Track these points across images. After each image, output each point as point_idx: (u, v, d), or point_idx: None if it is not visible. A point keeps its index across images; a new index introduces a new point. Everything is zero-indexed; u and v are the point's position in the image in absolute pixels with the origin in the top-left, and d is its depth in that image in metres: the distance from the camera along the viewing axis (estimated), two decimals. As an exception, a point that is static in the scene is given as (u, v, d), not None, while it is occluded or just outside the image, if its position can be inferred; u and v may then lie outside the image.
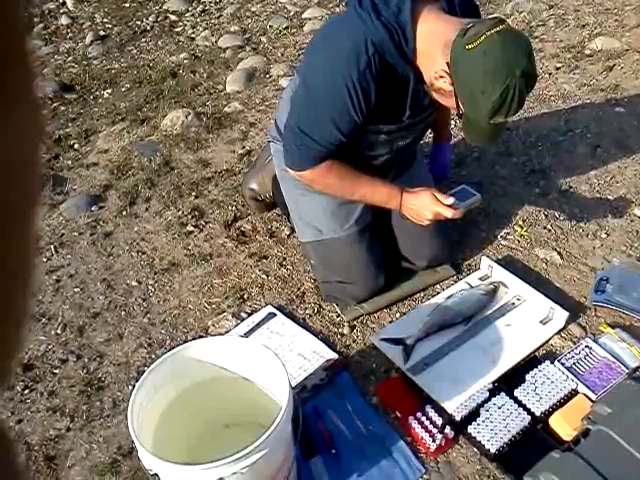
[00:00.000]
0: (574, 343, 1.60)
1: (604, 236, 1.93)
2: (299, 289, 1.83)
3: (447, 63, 1.33)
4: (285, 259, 1.94)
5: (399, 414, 1.46)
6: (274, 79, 2.95)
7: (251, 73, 3.00)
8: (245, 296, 1.82)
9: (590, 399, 1.43)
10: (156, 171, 2.36)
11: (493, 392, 1.47)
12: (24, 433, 1.50)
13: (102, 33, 3.70)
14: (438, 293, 1.78)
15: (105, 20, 3.89)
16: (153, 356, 1.65)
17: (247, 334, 1.69)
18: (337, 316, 1.74)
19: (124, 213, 2.18)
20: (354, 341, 1.66)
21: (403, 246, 1.80)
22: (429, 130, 1.88)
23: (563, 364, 1.52)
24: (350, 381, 1.55)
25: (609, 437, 1.21)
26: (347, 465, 1.38)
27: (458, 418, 1.42)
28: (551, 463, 1.23)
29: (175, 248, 2.02)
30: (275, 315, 1.74)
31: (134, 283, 1.91)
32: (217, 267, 1.93)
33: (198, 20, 3.77)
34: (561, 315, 1.64)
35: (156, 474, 1.06)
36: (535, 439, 1.37)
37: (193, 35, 3.58)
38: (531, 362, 1.56)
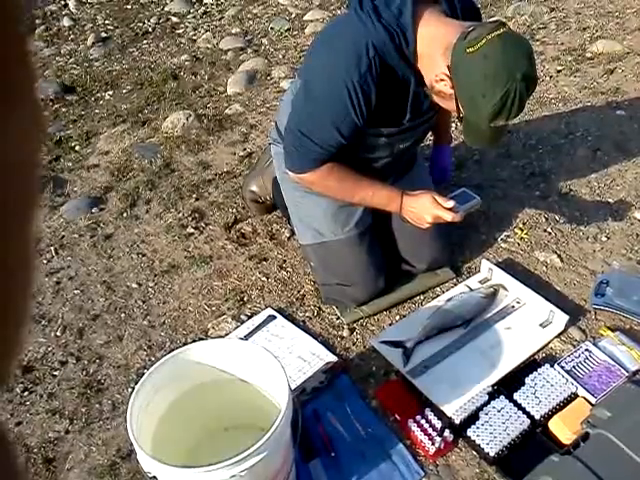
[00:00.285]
0: (574, 346, 1.60)
1: (604, 239, 1.93)
2: (299, 292, 1.83)
3: (448, 66, 1.33)
4: (285, 261, 1.94)
5: (398, 417, 1.46)
6: (275, 81, 2.95)
7: (252, 75, 3.01)
8: (245, 298, 1.82)
9: (590, 402, 1.43)
10: (157, 173, 2.36)
11: (492, 395, 1.47)
12: (23, 435, 1.50)
13: (104, 35, 3.71)
14: (438, 296, 1.78)
15: (107, 22, 3.90)
16: (153, 358, 1.65)
17: (247, 337, 1.69)
18: (337, 319, 1.74)
19: (124, 215, 2.18)
20: (354, 344, 1.66)
21: (403, 249, 1.80)
22: (429, 133, 1.88)
23: (563, 367, 1.52)
24: (349, 384, 1.55)
25: (609, 441, 1.21)
26: (346, 468, 1.38)
27: (457, 421, 1.42)
28: (550, 467, 1.23)
29: (175, 250, 2.02)
30: (275, 318, 1.74)
31: (134, 285, 1.91)
32: (217, 269, 1.93)
33: (199, 22, 3.77)
34: (561, 318, 1.64)
35: (155, 477, 1.06)
36: (534, 442, 1.37)
37: (194, 37, 3.58)
38: (531, 365, 1.55)
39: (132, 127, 2.68)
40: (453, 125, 2.10)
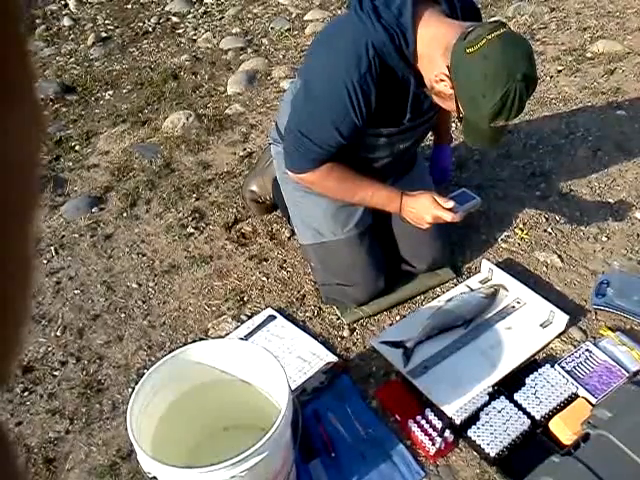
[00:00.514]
0: (574, 346, 1.60)
1: (605, 239, 1.93)
2: (299, 292, 1.83)
3: (448, 66, 1.33)
4: (285, 261, 1.94)
5: (399, 417, 1.46)
6: (275, 81, 2.95)
7: (252, 75, 3.01)
8: (245, 298, 1.82)
9: (590, 403, 1.43)
10: (157, 173, 2.36)
11: (493, 396, 1.47)
12: (23, 435, 1.50)
13: (104, 35, 3.71)
14: (438, 296, 1.78)
15: (107, 22, 3.89)
16: (153, 358, 1.65)
17: (247, 337, 1.68)
18: (337, 319, 1.74)
19: (124, 215, 2.18)
20: (354, 344, 1.66)
21: (403, 249, 1.79)
22: (430, 133, 1.88)
23: (563, 368, 1.51)
24: (350, 384, 1.55)
25: (609, 441, 1.21)
26: (346, 468, 1.37)
27: (458, 422, 1.42)
28: (551, 467, 1.23)
29: (175, 250, 2.02)
30: (275, 318, 1.74)
31: (134, 285, 1.91)
32: (217, 269, 1.93)
33: (200, 22, 3.77)
34: (561, 318, 1.64)
35: (155, 477, 1.06)
36: (535, 443, 1.37)
37: (195, 37, 3.58)
38: (531, 366, 1.55)
39: (132, 127, 2.68)
40: (453, 125, 2.10)
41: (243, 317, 1.76)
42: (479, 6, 1.64)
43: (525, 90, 1.30)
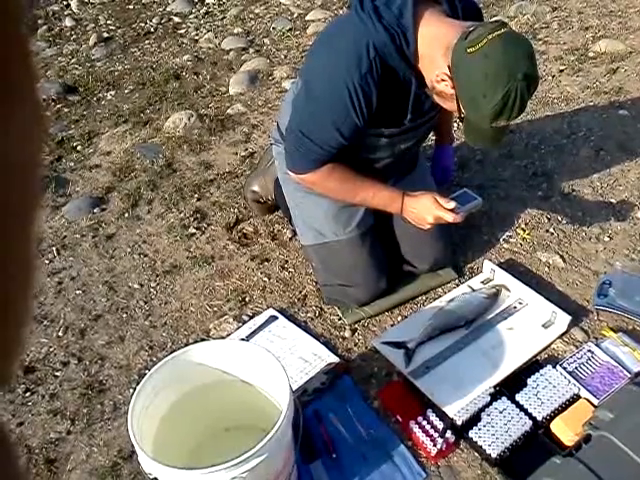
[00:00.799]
0: (576, 347, 1.60)
1: (607, 239, 1.92)
2: (301, 292, 1.83)
3: (448, 66, 1.33)
4: (287, 262, 1.93)
5: (400, 418, 1.46)
6: (277, 81, 2.95)
7: (254, 75, 3.00)
8: (247, 299, 1.82)
9: (592, 404, 1.42)
10: (158, 173, 2.36)
11: (494, 396, 1.47)
12: (25, 436, 1.50)
13: (106, 35, 3.71)
14: (440, 296, 1.77)
15: (109, 22, 3.90)
16: (154, 359, 1.65)
17: (248, 337, 1.68)
18: (338, 319, 1.73)
19: (126, 215, 2.18)
20: (355, 344, 1.66)
21: (405, 249, 1.79)
22: (431, 133, 1.88)
23: (565, 368, 1.51)
24: (351, 385, 1.55)
25: (611, 443, 1.20)
26: (348, 469, 1.37)
27: (459, 422, 1.42)
28: (552, 468, 1.23)
29: (177, 250, 2.02)
30: (276, 318, 1.74)
31: (136, 285, 1.91)
32: (219, 270, 1.93)
33: (201, 22, 3.77)
34: (563, 319, 1.63)
35: (156, 478, 1.06)
36: (536, 444, 1.37)
37: (196, 37, 3.58)
38: (533, 366, 1.55)
39: (134, 127, 2.68)
40: (455, 125, 2.09)
41: (245, 317, 1.76)
42: (480, 6, 1.63)
43: (526, 90, 1.30)
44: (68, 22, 3.90)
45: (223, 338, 1.69)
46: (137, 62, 3.36)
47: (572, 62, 2.81)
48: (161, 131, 2.62)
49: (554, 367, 1.52)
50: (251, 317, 1.76)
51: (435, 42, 1.35)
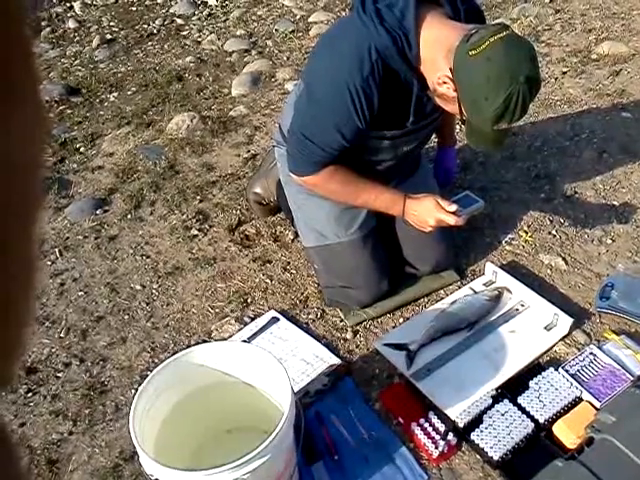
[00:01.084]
0: (578, 350, 1.59)
1: (609, 242, 1.92)
2: (302, 294, 1.83)
3: (450, 69, 1.33)
4: (289, 263, 1.94)
5: (402, 420, 1.46)
6: (280, 83, 2.95)
7: (257, 77, 3.01)
8: (248, 300, 1.82)
9: (594, 407, 1.42)
10: (161, 175, 2.37)
11: (496, 399, 1.47)
12: (27, 436, 1.50)
13: (109, 37, 3.72)
14: (442, 298, 1.77)
15: (112, 24, 3.90)
16: (156, 360, 1.65)
17: (250, 339, 1.68)
18: (340, 321, 1.73)
19: (129, 217, 2.18)
20: (357, 346, 1.66)
21: (407, 251, 1.79)
22: (434, 135, 1.88)
23: (567, 371, 1.51)
24: (353, 386, 1.55)
25: (613, 446, 1.20)
26: (349, 471, 1.37)
27: (461, 425, 1.42)
28: (554, 472, 1.22)
29: (179, 252, 2.02)
30: (278, 320, 1.74)
31: (138, 287, 1.91)
32: (221, 271, 1.93)
33: (204, 24, 3.78)
34: (565, 321, 1.63)
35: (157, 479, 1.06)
36: (538, 447, 1.36)
37: (199, 39, 3.59)
38: (535, 369, 1.55)
39: (137, 129, 2.69)
40: (457, 127, 2.09)
41: (246, 319, 1.76)
42: (483, 8, 1.63)
43: (528, 92, 1.30)
44: (71, 24, 3.91)
45: (225, 340, 1.69)
46: (140, 64, 3.37)
47: (575, 64, 2.81)
48: (164, 133, 2.62)
49: (556, 370, 1.52)
50: (253, 319, 1.76)
51: (437, 44, 1.35)
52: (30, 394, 1.61)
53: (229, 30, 3.65)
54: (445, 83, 1.36)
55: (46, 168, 2.43)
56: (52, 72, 3.33)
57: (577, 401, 1.45)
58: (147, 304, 1.85)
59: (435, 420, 1.43)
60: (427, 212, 1.54)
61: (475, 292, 1.76)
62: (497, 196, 2.12)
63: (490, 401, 1.46)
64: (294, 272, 1.90)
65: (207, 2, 4.05)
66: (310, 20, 3.60)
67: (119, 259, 2.02)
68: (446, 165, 2.01)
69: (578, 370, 1.51)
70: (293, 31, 3.50)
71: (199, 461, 1.27)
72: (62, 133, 2.69)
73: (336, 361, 1.59)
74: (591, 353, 1.54)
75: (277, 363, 1.19)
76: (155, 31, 3.75)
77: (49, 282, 1.94)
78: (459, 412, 1.44)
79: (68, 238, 2.12)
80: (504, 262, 1.88)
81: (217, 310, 1.80)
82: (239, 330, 1.72)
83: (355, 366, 1.61)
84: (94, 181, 2.39)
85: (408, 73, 1.41)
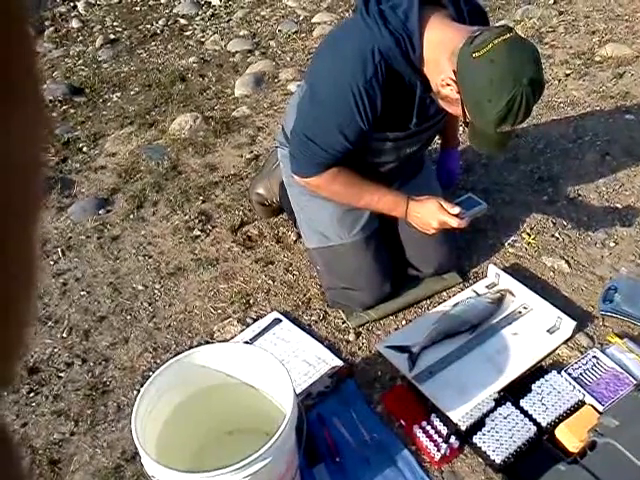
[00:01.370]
0: (581, 353, 1.59)
1: (612, 245, 1.92)
2: (305, 295, 1.83)
3: (454, 71, 1.33)
4: (291, 265, 1.93)
5: (404, 423, 1.45)
6: (283, 83, 2.95)
7: (260, 77, 3.01)
8: (251, 301, 1.82)
9: (597, 410, 1.42)
10: (164, 175, 2.37)
11: (499, 402, 1.46)
12: (28, 436, 1.50)
13: (112, 37, 3.72)
14: (444, 301, 1.77)
15: (115, 24, 3.91)
16: (158, 361, 1.65)
17: (252, 340, 1.68)
18: (343, 323, 1.73)
19: (131, 217, 2.18)
20: (359, 348, 1.66)
21: (410, 253, 1.79)
22: (437, 137, 1.88)
23: (570, 374, 1.50)
24: (355, 389, 1.55)
25: (616, 450, 1.20)
26: (351, 473, 1.37)
27: (463, 428, 1.41)
28: (557, 476, 1.22)
29: (181, 252, 2.02)
30: (280, 321, 1.74)
31: (140, 287, 1.91)
32: (223, 272, 1.93)
33: (208, 24, 3.78)
34: (568, 324, 1.63)
35: (159, 481, 1.06)
36: (541, 450, 1.36)
37: (202, 39, 3.59)
38: (537, 372, 1.54)
39: (139, 129, 2.69)
40: (461, 128, 2.09)
41: (249, 320, 1.76)
42: (487, 9, 1.63)
43: (532, 95, 1.29)
44: (75, 24, 3.91)
45: (227, 341, 1.69)
46: (143, 64, 3.37)
47: (578, 66, 2.80)
48: (166, 133, 2.62)
49: (559, 373, 1.52)
50: (255, 320, 1.76)
51: (440, 46, 1.35)
52: (32, 394, 1.61)
53: (232, 30, 3.65)
54: (448, 85, 1.36)
55: (47, 168, 2.43)
56: (55, 72, 3.33)
57: (580, 404, 1.45)
58: (149, 304, 1.85)
59: (437, 423, 1.43)
60: (430, 214, 1.54)
61: (478, 294, 1.76)
62: (500, 198, 2.11)
63: (492, 404, 1.46)
64: (296, 273, 1.90)
65: (210, 2, 4.06)
66: (313, 21, 3.60)
67: (121, 259, 2.02)
68: (449, 167, 2.01)
69: (581, 373, 1.50)
70: (296, 32, 3.50)
71: (200, 462, 1.27)
72: (65, 133, 2.70)
73: (338, 363, 1.59)
74: (594, 356, 1.54)
75: (279, 365, 1.19)
76: (158, 31, 3.75)
77: (51, 282, 1.95)
78: (461, 415, 1.44)
79: (71, 238, 2.12)
80: (507, 264, 1.88)
81: (219, 311, 1.80)
82: (241, 331, 1.72)
83: (357, 368, 1.60)
84: (97, 181, 2.39)
85: (411, 75, 1.40)
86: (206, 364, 1.27)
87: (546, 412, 1.43)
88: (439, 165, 2.02)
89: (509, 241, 1.96)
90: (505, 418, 1.42)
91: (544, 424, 1.41)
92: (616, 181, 2.16)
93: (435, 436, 1.40)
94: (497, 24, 2.20)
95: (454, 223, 1.53)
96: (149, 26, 3.82)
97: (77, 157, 2.55)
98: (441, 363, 1.58)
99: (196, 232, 2.09)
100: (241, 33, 3.59)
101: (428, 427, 1.42)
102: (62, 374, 1.66)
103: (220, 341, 1.69)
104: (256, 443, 1.04)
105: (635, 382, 1.47)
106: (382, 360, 1.61)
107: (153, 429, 1.17)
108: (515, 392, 1.49)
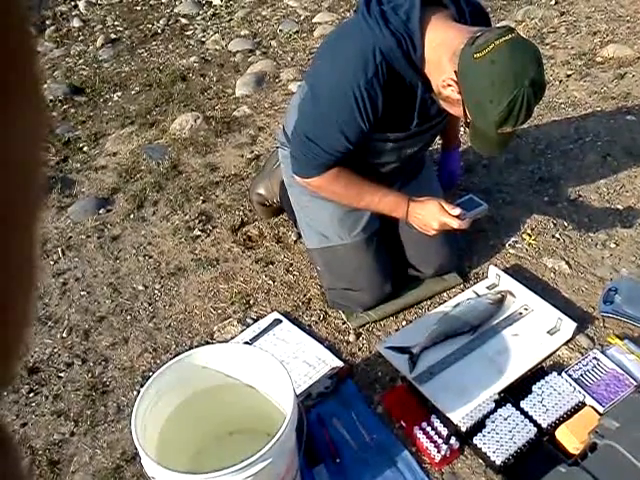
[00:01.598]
0: (582, 354, 1.59)
1: (613, 246, 1.91)
2: (305, 295, 1.83)
3: (455, 72, 1.32)
4: (292, 265, 1.93)
5: (404, 424, 1.45)
6: (284, 83, 2.95)
7: (261, 77, 3.01)
8: (251, 302, 1.82)
9: (597, 412, 1.41)
10: (164, 175, 2.36)
11: (499, 403, 1.46)
12: (28, 437, 1.50)
13: (113, 36, 3.72)
14: (445, 301, 1.77)
15: (116, 23, 3.91)
16: (158, 361, 1.65)
17: (252, 340, 1.68)
18: (343, 323, 1.73)
19: (131, 216, 2.18)
20: (360, 349, 1.66)
21: (410, 254, 1.79)
22: (438, 137, 1.87)
23: (570, 375, 1.50)
24: (355, 389, 1.55)
25: (617, 452, 1.19)
26: (351, 474, 1.37)
27: (463, 429, 1.41)
28: (557, 477, 1.22)
29: (182, 252, 2.02)
30: (281, 322, 1.74)
31: (140, 287, 1.91)
32: (223, 272, 1.93)
33: (209, 24, 3.78)
34: (569, 326, 1.62)
35: (158, 482, 1.05)
36: (541, 452, 1.36)
37: (203, 39, 3.59)
38: (538, 373, 1.54)
39: (140, 128, 2.69)
40: (462, 129, 2.09)
41: (249, 320, 1.76)
42: (488, 10, 1.63)
43: (533, 96, 1.29)
44: (76, 23, 3.91)
45: (227, 341, 1.68)
46: (144, 63, 3.37)
47: (579, 67, 2.80)
48: (167, 133, 2.62)
49: (559, 374, 1.51)
50: (255, 320, 1.75)
51: (442, 47, 1.35)
52: (32, 394, 1.61)
53: (233, 30, 3.65)
54: (450, 86, 1.36)
55: (48, 167, 2.43)
56: (56, 71, 3.33)
57: (580, 406, 1.45)
58: (149, 304, 1.85)
59: (437, 424, 1.43)
60: (431, 215, 1.53)
61: (478, 295, 1.75)
62: (501, 199, 2.11)
63: (493, 405, 1.45)
64: (297, 274, 1.90)
65: (211, 2, 4.05)
66: (314, 21, 3.60)
67: (122, 259, 2.02)
68: (450, 167, 2.00)
69: (581, 375, 1.50)
70: (297, 32, 3.49)
71: (201, 463, 1.27)
72: (66, 132, 2.70)
73: (338, 364, 1.59)
74: (594, 358, 1.54)
75: (279, 365, 1.19)
76: (159, 31, 3.75)
77: (51, 282, 1.94)
78: (462, 416, 1.44)
79: (71, 238, 2.12)
80: (507, 265, 1.88)
81: (219, 311, 1.80)
82: (241, 331, 1.72)
83: (357, 369, 1.60)
84: (97, 181, 2.39)
85: (413, 75, 1.40)
86: (206, 365, 1.26)
87: (546, 413, 1.43)
88: (440, 166, 2.02)
89: (510, 242, 1.95)
90: (505, 419, 1.42)
91: (544, 425, 1.41)
92: (617, 182, 2.16)
93: (435, 437, 1.40)
94: (498, 24, 2.20)
95: (455, 224, 1.52)
96: (150, 26, 3.82)
97: (77, 157, 2.55)
98: (441, 364, 1.58)
99: (196, 232, 2.09)
100: (242, 33, 3.59)
101: (428, 428, 1.42)
102: (62, 374, 1.66)
103: (220, 341, 1.68)
104: (256, 444, 1.03)
105: (636, 383, 1.47)
106: (382, 361, 1.61)
107: (153, 430, 1.17)
108: (515, 393, 1.49)
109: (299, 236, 1.94)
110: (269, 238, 2.04)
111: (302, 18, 3.68)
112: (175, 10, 3.99)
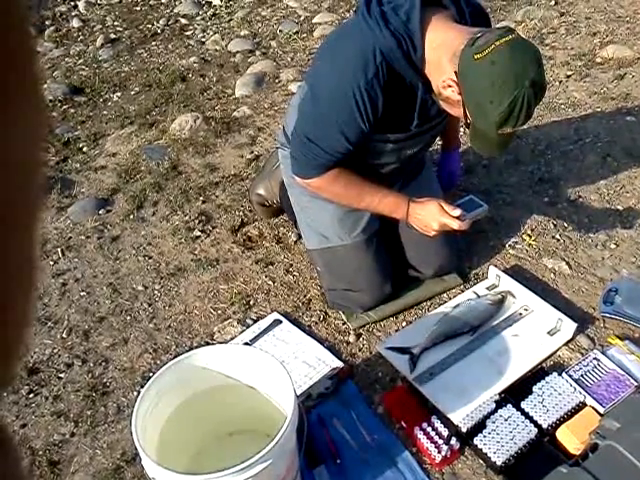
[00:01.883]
0: (582, 355, 1.59)
1: (613, 246, 1.91)
2: (305, 296, 1.82)
3: (455, 72, 1.32)
4: (292, 266, 1.93)
5: (404, 424, 1.45)
6: (283, 84, 2.95)
7: (260, 78, 3.01)
8: (251, 302, 1.82)
9: (598, 412, 1.41)
10: (164, 175, 2.36)
11: (499, 403, 1.46)
12: (28, 437, 1.50)
13: (113, 36, 3.72)
14: (445, 302, 1.77)
15: (116, 23, 3.90)
16: (158, 361, 1.65)
17: (252, 341, 1.68)
18: (343, 324, 1.73)
19: (131, 217, 2.18)
20: (360, 349, 1.65)
21: (410, 254, 1.79)
22: (438, 138, 1.87)
23: (571, 376, 1.50)
24: (355, 390, 1.55)
25: (618, 452, 1.19)
26: (352, 475, 1.37)
27: (464, 429, 1.41)
28: (558, 478, 1.22)
29: (181, 253, 2.02)
30: (281, 322, 1.73)
31: (140, 288, 1.90)
32: (223, 273, 1.93)
33: (208, 24, 3.78)
34: (569, 326, 1.62)
35: (159, 483, 1.05)
36: (542, 452, 1.36)
37: (203, 39, 3.59)
38: (538, 373, 1.54)
39: (140, 129, 2.68)
40: (461, 130, 2.09)
41: (249, 321, 1.76)
42: (488, 10, 1.63)
43: (533, 97, 1.29)
44: (75, 23, 3.91)
45: (227, 342, 1.68)
46: (144, 63, 3.37)
47: (579, 68, 2.80)
48: (167, 133, 2.62)
49: (560, 374, 1.51)
50: (255, 321, 1.75)
51: (442, 48, 1.35)
52: (32, 395, 1.61)
53: (233, 30, 3.65)
54: (450, 86, 1.36)
55: (47, 168, 2.42)
56: (56, 71, 3.33)
57: (581, 406, 1.45)
58: (149, 305, 1.84)
59: (438, 424, 1.42)
60: (431, 216, 1.53)
61: (478, 296, 1.75)
62: (501, 199, 2.11)
63: (493, 406, 1.45)
64: (297, 274, 1.90)
65: (211, 2, 4.05)
66: (314, 21, 3.60)
67: (121, 259, 2.02)
68: (450, 168, 2.00)
69: (582, 375, 1.50)
70: (297, 32, 3.49)
71: (201, 464, 1.27)
72: (65, 132, 2.70)
73: (339, 364, 1.59)
74: (595, 358, 1.54)
75: (280, 366, 1.19)
76: (159, 31, 3.75)
77: (51, 282, 1.94)
78: (462, 417, 1.44)
79: (70, 238, 2.12)
80: (507, 266, 1.88)
81: (219, 312, 1.80)
82: (241, 332, 1.72)
83: (358, 369, 1.60)
84: (97, 181, 2.39)
85: (413, 76, 1.40)
86: (206, 365, 1.26)
87: (547, 414, 1.43)
88: (440, 166, 2.02)
89: (510, 242, 1.95)
90: (506, 420, 1.42)
91: (545, 426, 1.41)
92: (617, 183, 2.16)
93: (436, 438, 1.40)
94: (498, 25, 2.20)
95: (455, 225, 1.52)
96: (150, 26, 3.82)
97: (77, 157, 2.54)
98: (442, 365, 1.58)
99: (196, 232, 2.08)
100: (242, 33, 3.59)
101: (429, 429, 1.42)
102: (62, 375, 1.66)
103: (220, 342, 1.68)
104: (256, 444, 1.03)
105: (636, 384, 1.47)
106: (382, 361, 1.61)
107: (153, 430, 1.17)
108: (516, 394, 1.49)
109: (299, 237, 1.94)
110: (269, 239, 2.04)
111: (302, 18, 3.68)
112: (175, 10, 3.99)
